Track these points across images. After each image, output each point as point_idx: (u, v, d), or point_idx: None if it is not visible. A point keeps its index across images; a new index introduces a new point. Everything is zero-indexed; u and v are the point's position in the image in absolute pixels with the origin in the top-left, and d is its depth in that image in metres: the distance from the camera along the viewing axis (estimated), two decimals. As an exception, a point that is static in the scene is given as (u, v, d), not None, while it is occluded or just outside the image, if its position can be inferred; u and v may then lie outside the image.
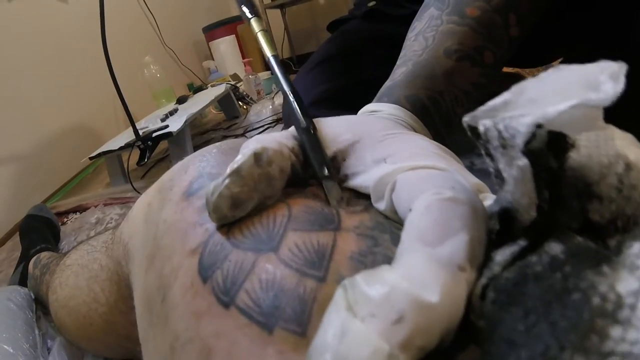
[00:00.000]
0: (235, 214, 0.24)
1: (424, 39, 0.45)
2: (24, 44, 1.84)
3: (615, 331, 0.12)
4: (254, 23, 0.42)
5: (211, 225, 0.25)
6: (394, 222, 0.23)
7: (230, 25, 3.06)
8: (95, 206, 1.39)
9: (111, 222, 1.26)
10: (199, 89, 2.30)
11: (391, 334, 0.14)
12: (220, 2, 3.63)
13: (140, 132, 1.41)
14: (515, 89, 0.17)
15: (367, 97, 0.42)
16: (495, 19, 0.43)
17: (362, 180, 0.25)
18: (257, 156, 0.24)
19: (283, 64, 0.36)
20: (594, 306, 0.13)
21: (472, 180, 0.24)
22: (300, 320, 0.19)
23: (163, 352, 0.24)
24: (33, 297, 0.83)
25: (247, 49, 3.11)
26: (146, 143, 1.38)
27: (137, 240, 0.33)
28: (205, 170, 0.30)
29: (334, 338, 0.15)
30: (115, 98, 1.31)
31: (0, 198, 1.57)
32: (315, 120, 0.30)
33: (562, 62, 0.74)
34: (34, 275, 0.84)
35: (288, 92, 0.33)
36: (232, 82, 2.35)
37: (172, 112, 1.71)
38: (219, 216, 0.24)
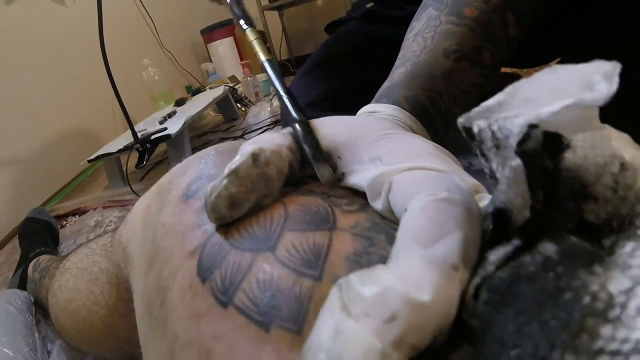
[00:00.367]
0: (234, 214, 0.24)
1: (422, 39, 0.45)
2: (23, 47, 1.84)
3: (606, 330, 0.12)
4: (249, 33, 0.44)
5: (210, 227, 0.25)
6: (390, 222, 0.24)
7: (228, 27, 3.06)
8: (94, 209, 1.39)
9: (110, 225, 1.25)
10: (197, 91, 2.30)
11: (384, 333, 0.14)
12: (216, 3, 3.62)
13: (139, 135, 1.41)
14: (509, 89, 0.17)
15: (366, 98, 0.43)
16: (493, 19, 0.43)
17: (358, 179, 0.25)
18: (254, 157, 0.24)
19: (281, 66, 0.37)
20: (584, 305, 0.13)
21: (469, 180, 0.24)
22: (296, 319, 0.19)
23: (162, 355, 0.24)
24: (33, 300, 0.83)
25: (245, 51, 3.11)
26: (145, 145, 1.38)
27: (136, 243, 0.33)
28: (203, 172, 0.30)
29: (328, 337, 0.15)
30: (113, 101, 1.31)
31: (-1, 201, 1.57)
32: (312, 120, 0.30)
33: (559, 62, 0.74)
34: (34, 279, 0.84)
35: (280, 89, 0.33)
36: (231, 84, 2.35)
37: (170, 115, 1.71)
38: (217, 216, 0.24)
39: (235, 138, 1.80)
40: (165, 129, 1.47)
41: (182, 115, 1.63)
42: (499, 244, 0.17)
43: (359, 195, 0.26)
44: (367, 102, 0.41)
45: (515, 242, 0.17)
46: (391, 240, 0.21)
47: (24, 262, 0.95)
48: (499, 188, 0.17)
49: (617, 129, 0.16)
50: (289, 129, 0.29)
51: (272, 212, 0.25)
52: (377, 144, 0.27)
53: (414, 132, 0.36)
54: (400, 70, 0.43)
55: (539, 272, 0.15)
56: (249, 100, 2.31)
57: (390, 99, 0.40)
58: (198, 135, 2.03)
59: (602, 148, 0.15)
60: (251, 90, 2.35)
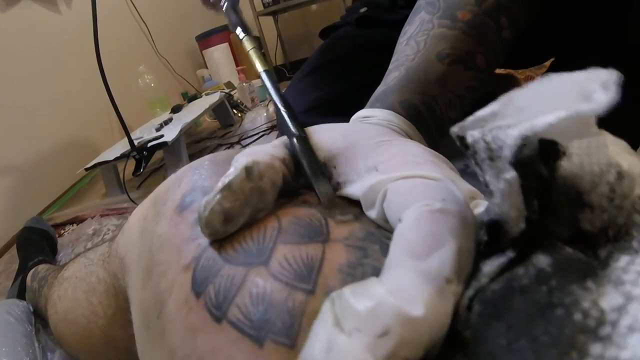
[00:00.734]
0: (227, 229, 0.24)
1: (415, 43, 0.45)
2: (17, 55, 1.84)
3: (595, 348, 0.12)
4: (245, 42, 0.44)
5: (204, 240, 0.25)
6: (384, 231, 0.23)
7: (224, 33, 3.06)
8: (92, 217, 1.39)
9: (108, 233, 1.25)
10: (194, 97, 2.30)
11: (376, 348, 0.14)
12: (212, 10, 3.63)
13: (136, 142, 1.41)
14: (504, 99, 0.17)
15: (360, 103, 0.42)
16: (486, 22, 0.43)
17: (354, 188, 0.25)
18: (248, 170, 0.24)
19: (276, 71, 0.37)
20: (575, 322, 0.13)
21: (464, 187, 0.24)
22: (289, 333, 0.19)
23: None
24: (32, 310, 0.82)
25: (241, 56, 3.11)
26: (142, 153, 1.38)
27: (133, 253, 0.33)
28: (197, 184, 0.30)
29: (320, 352, 0.15)
30: (109, 108, 1.31)
31: (-3, 211, 1.57)
32: (307, 128, 0.30)
33: (554, 63, 0.75)
34: (32, 288, 0.84)
35: (278, 102, 0.33)
36: (227, 90, 2.35)
37: (167, 122, 1.71)
38: (211, 232, 0.24)
39: (232, 144, 1.80)
40: (162, 136, 1.47)
41: (179, 122, 1.63)
42: (493, 255, 0.17)
43: (353, 204, 0.26)
44: (362, 106, 0.41)
45: (510, 253, 0.17)
46: (385, 250, 0.21)
47: (22, 271, 0.95)
48: (493, 201, 0.17)
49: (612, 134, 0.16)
50: (282, 140, 0.29)
51: (265, 225, 0.24)
52: (373, 152, 0.27)
53: (408, 136, 0.36)
54: (394, 75, 0.43)
55: (532, 285, 0.15)
56: (245, 106, 2.31)
57: (385, 104, 0.39)
58: (195, 142, 2.03)
59: (598, 156, 0.15)
60: (247, 96, 2.35)
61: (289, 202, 0.27)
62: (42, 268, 0.87)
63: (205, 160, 0.33)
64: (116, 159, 1.44)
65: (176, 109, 1.98)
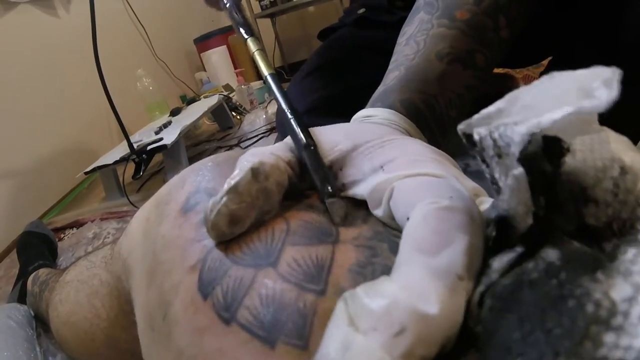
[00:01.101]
0: (234, 230, 0.24)
1: (415, 43, 0.45)
2: (16, 59, 1.84)
3: (609, 337, 0.12)
4: (250, 43, 0.43)
5: (209, 242, 0.25)
6: (392, 230, 0.24)
7: (222, 36, 3.07)
8: (92, 221, 1.39)
9: (108, 237, 1.25)
10: (192, 100, 2.30)
11: (393, 346, 0.15)
12: (211, 13, 3.63)
13: (135, 146, 1.41)
14: (510, 96, 0.17)
15: (361, 103, 0.42)
16: (485, 22, 0.44)
17: (360, 189, 0.25)
18: (254, 171, 0.24)
19: (276, 73, 0.37)
20: (588, 313, 0.13)
21: (469, 185, 0.24)
22: (301, 334, 0.19)
23: None
24: (33, 314, 0.82)
25: (239, 59, 3.12)
26: (141, 156, 1.38)
27: (136, 255, 0.33)
28: (201, 185, 0.30)
29: (336, 353, 0.15)
30: (108, 112, 1.31)
31: (-3, 215, 1.57)
32: (311, 129, 0.30)
33: (551, 61, 0.75)
34: (33, 292, 0.84)
35: (285, 108, 0.33)
36: (225, 93, 2.35)
37: (166, 125, 1.71)
38: (218, 234, 0.24)
39: (231, 146, 1.80)
40: (161, 139, 1.47)
41: (178, 125, 1.63)
42: (502, 251, 0.17)
43: (361, 205, 0.26)
44: (363, 106, 0.41)
45: (519, 249, 0.17)
46: (394, 248, 0.21)
47: (22, 275, 0.95)
48: (501, 197, 0.17)
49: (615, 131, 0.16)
50: (286, 141, 0.29)
51: (273, 227, 0.24)
52: (378, 152, 0.27)
53: (410, 135, 0.36)
54: (394, 74, 0.43)
55: (542, 278, 0.15)
56: (244, 109, 2.31)
57: (385, 103, 0.39)
58: (194, 145, 2.02)
59: (601, 151, 0.15)
60: (246, 99, 2.35)
61: (295, 204, 0.27)
62: (43, 272, 0.87)
63: (208, 162, 0.33)
64: (115, 162, 1.44)
65: (175, 112, 1.98)
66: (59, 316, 0.55)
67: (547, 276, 0.15)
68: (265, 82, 0.37)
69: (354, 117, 0.40)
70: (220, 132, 2.15)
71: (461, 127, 0.19)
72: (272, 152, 0.27)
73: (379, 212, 0.24)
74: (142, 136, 1.65)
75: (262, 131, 1.85)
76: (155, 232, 0.30)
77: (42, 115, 1.89)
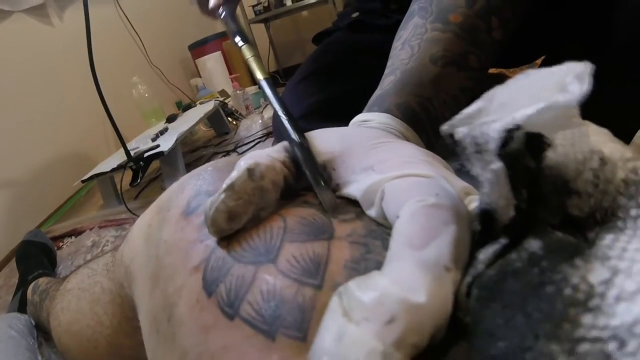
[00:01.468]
0: (232, 226, 0.25)
1: (409, 47, 0.46)
2: (11, 68, 1.84)
3: (587, 319, 0.13)
4: (245, 50, 0.44)
5: (211, 242, 0.26)
6: (385, 229, 0.24)
7: (216, 41, 3.07)
8: (91, 229, 1.39)
9: (107, 245, 1.25)
10: (188, 106, 2.30)
11: (385, 334, 0.15)
12: (205, 19, 3.63)
13: (132, 153, 1.41)
14: (487, 95, 0.18)
15: (357, 107, 0.43)
16: (478, 24, 0.44)
17: (352, 189, 0.26)
18: (250, 171, 0.25)
19: (271, 78, 0.37)
20: (566, 297, 0.14)
21: (458, 184, 0.25)
22: (300, 327, 0.20)
23: None
24: (34, 323, 0.82)
25: (234, 64, 3.12)
26: (138, 163, 1.38)
27: (139, 261, 0.34)
28: (202, 189, 0.31)
29: (331, 342, 0.16)
30: (104, 119, 1.31)
31: (-5, 225, 1.57)
32: (306, 133, 0.31)
33: (544, 61, 0.75)
34: (33, 301, 0.84)
35: (278, 109, 0.34)
36: (221, 99, 2.36)
37: (162, 132, 1.72)
38: (217, 229, 0.25)
39: (228, 152, 1.80)
40: (158, 146, 1.47)
41: (174, 131, 1.63)
42: (487, 244, 0.18)
43: (354, 204, 0.27)
44: (359, 110, 0.42)
45: (503, 240, 0.17)
46: (387, 245, 0.22)
47: (22, 285, 0.95)
48: (482, 190, 0.18)
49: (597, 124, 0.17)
50: (283, 144, 0.30)
51: (271, 225, 0.25)
52: (370, 154, 0.28)
53: (406, 139, 0.37)
54: (389, 79, 0.44)
55: (525, 267, 0.16)
56: (240, 114, 2.32)
57: (382, 108, 0.40)
58: (191, 151, 2.03)
59: (581, 145, 0.16)
60: (241, 104, 2.35)
61: (291, 202, 0.28)
62: (43, 281, 0.87)
63: (208, 167, 0.34)
64: (113, 170, 1.44)
65: (171, 119, 1.99)
66: (60, 325, 0.55)
67: (529, 265, 0.15)
68: (260, 86, 0.38)
69: (352, 121, 0.40)
70: (217, 137, 2.15)
71: (444, 127, 0.20)
72: (269, 154, 0.28)
73: (372, 212, 0.25)
74: (139, 143, 1.65)
75: (259, 136, 1.85)
76: (158, 237, 0.31)
77: (38, 124, 1.89)
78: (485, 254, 0.18)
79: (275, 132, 0.90)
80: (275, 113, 0.34)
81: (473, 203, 0.22)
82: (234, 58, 3.11)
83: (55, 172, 1.89)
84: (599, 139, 0.16)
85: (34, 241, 1.20)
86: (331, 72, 0.84)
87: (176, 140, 1.47)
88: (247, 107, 2.37)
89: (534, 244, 0.16)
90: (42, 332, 0.81)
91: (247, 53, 0.44)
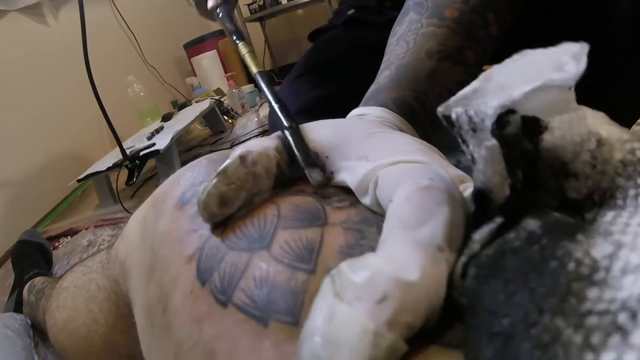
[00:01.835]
0: (224, 211, 0.25)
1: (405, 42, 0.45)
2: (6, 68, 1.84)
3: (592, 292, 0.12)
4: (241, 47, 0.45)
5: (205, 231, 0.26)
6: (380, 216, 0.24)
7: (212, 40, 3.07)
8: (86, 229, 1.38)
9: (103, 244, 1.25)
10: (184, 105, 2.30)
11: (377, 314, 0.15)
12: (200, 18, 3.62)
13: (127, 152, 1.41)
14: (483, 76, 0.18)
15: (352, 103, 0.43)
16: (473, 19, 0.44)
17: (346, 176, 0.26)
18: (242, 158, 0.25)
19: (267, 75, 0.38)
20: (569, 271, 0.13)
21: (453, 172, 0.25)
22: (292, 311, 0.20)
23: None
24: (30, 323, 0.82)
25: (229, 63, 3.12)
26: (134, 162, 1.38)
27: (134, 256, 0.33)
28: (197, 180, 0.31)
29: (322, 322, 0.15)
30: (100, 119, 1.30)
31: (-10, 225, 1.56)
32: (302, 125, 0.31)
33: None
34: (29, 301, 0.83)
35: (270, 97, 0.34)
36: (216, 97, 2.36)
37: (158, 130, 1.71)
38: (209, 214, 0.25)
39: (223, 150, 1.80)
40: (154, 144, 1.46)
41: (170, 130, 1.63)
42: (482, 224, 0.18)
43: (349, 192, 0.26)
44: (354, 107, 0.42)
45: (498, 219, 0.17)
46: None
47: (18, 285, 0.95)
48: (477, 168, 0.18)
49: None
50: (277, 134, 0.30)
51: (265, 212, 0.25)
52: (364, 143, 0.27)
53: (402, 132, 0.37)
54: (385, 74, 0.44)
55: (524, 246, 0.15)
56: (236, 112, 2.31)
57: (378, 102, 0.40)
58: (186, 150, 2.03)
59: (578, 127, 0.16)
60: (237, 102, 2.35)
61: (285, 191, 0.28)
62: (39, 281, 0.87)
63: (202, 160, 0.34)
64: (108, 169, 1.43)
65: (167, 118, 1.98)
66: (56, 324, 0.55)
67: (528, 243, 0.15)
68: (254, 78, 0.38)
69: (348, 115, 0.40)
70: (213, 136, 2.15)
71: (440, 109, 0.19)
72: (261, 143, 0.28)
73: (366, 200, 0.25)
74: (135, 142, 1.64)
75: (255, 134, 1.85)
76: (153, 230, 0.31)
77: (33, 124, 1.88)
78: (481, 233, 0.17)
79: (271, 130, 0.90)
80: (271, 110, 0.34)
81: (468, 190, 0.22)
82: (229, 56, 3.11)
83: (51, 171, 1.88)
84: (596, 122, 0.16)
85: (29, 241, 1.19)
86: (327, 69, 0.84)
87: (172, 139, 1.47)
88: (242, 106, 2.37)
89: (532, 224, 0.16)
90: (38, 332, 0.80)
91: (244, 49, 0.44)
